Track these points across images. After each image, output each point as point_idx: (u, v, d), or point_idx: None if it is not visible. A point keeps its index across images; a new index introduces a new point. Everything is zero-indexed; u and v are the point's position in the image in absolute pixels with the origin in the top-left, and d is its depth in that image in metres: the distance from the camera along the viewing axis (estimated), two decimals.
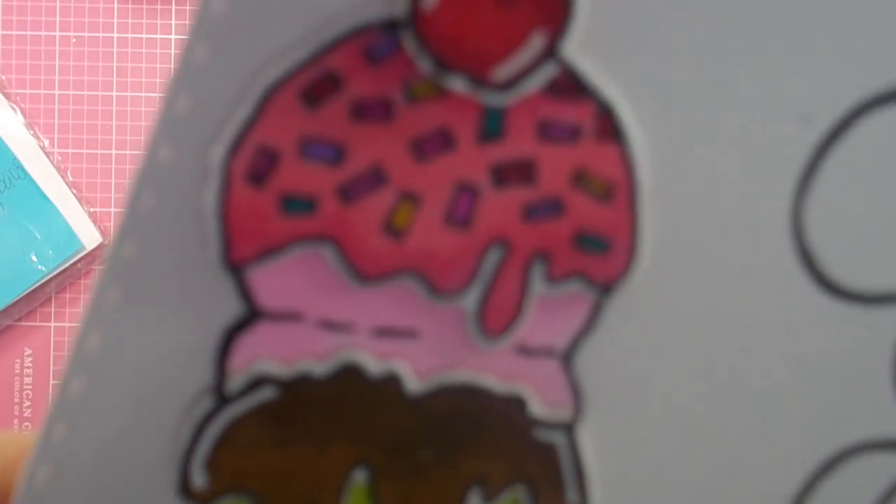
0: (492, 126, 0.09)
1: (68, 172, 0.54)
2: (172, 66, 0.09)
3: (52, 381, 0.52)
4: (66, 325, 0.54)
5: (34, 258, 0.52)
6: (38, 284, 0.51)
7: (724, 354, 0.10)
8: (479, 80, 0.09)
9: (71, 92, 0.55)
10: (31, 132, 0.53)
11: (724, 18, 0.10)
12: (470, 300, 0.10)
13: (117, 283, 0.10)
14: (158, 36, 0.55)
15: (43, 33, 0.54)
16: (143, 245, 0.10)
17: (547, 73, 0.09)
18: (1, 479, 0.11)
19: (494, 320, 0.10)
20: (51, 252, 0.51)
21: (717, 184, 0.10)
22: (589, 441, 0.10)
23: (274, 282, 0.10)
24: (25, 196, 0.52)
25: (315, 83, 0.09)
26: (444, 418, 0.10)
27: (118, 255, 0.10)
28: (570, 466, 0.10)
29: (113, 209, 0.56)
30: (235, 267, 0.10)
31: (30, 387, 0.54)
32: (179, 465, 0.10)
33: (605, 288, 0.10)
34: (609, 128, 0.09)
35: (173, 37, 0.55)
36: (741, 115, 0.10)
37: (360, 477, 0.10)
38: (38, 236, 0.52)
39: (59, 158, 0.54)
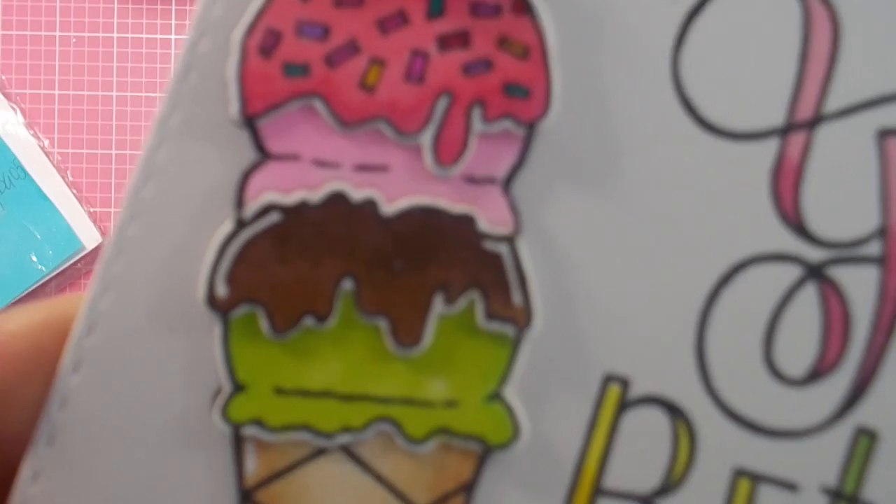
0: (436, 6, 0.14)
1: (68, 172, 0.59)
2: None
3: None
4: None
5: (34, 258, 0.56)
6: (38, 284, 0.56)
7: (627, 183, 0.15)
8: None
9: (71, 92, 0.60)
10: (31, 132, 0.59)
11: None
12: (427, 138, 0.14)
13: (166, 144, 0.15)
14: (158, 36, 0.60)
15: (43, 33, 0.60)
16: (186, 113, 0.15)
17: None
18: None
19: (446, 153, 0.15)
20: (51, 252, 0.56)
21: (610, 47, 0.15)
22: (527, 251, 0.15)
23: (278, 130, 0.15)
24: (25, 196, 0.57)
25: None
26: (412, 235, 0.15)
27: (165, 123, 0.15)
28: (514, 273, 0.15)
29: (113, 209, 0.61)
30: (250, 120, 0.15)
31: None
32: (207, 279, 0.15)
33: (530, 125, 0.14)
34: (523, 5, 0.14)
35: (173, 37, 0.60)
36: None
37: (347, 286, 0.15)
38: (38, 236, 0.56)
39: (59, 158, 0.59)
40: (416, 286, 0.15)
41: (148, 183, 0.15)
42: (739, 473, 0.15)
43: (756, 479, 0.15)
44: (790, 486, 0.15)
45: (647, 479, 0.15)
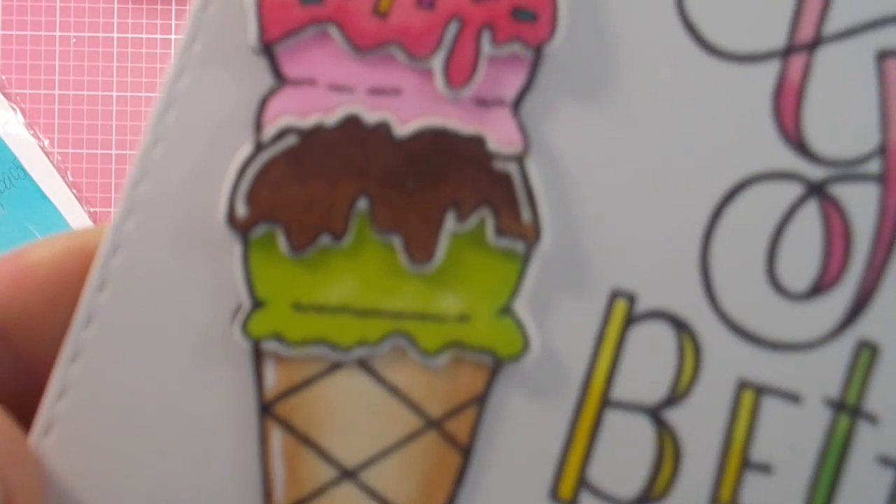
0: None
1: (68, 172, 0.60)
2: None
3: None
4: None
5: None
6: None
7: (632, 104, 0.16)
8: None
9: (71, 92, 0.61)
10: (31, 132, 0.60)
11: None
12: (438, 62, 0.16)
13: (188, 72, 0.16)
14: (158, 36, 0.61)
15: (43, 33, 0.61)
16: (206, 42, 0.16)
17: None
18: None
19: (456, 76, 0.16)
20: None
21: None
22: (536, 170, 0.16)
23: (295, 56, 0.16)
24: (25, 196, 0.58)
25: None
26: (424, 155, 0.16)
27: (186, 51, 0.16)
28: (523, 191, 0.16)
29: (113, 209, 0.63)
30: (267, 47, 0.16)
31: None
32: (228, 199, 0.16)
33: (537, 49, 0.16)
34: None
35: (173, 37, 0.61)
36: None
37: (361, 205, 0.16)
38: (38, 236, 0.58)
39: (59, 158, 0.61)
40: (429, 204, 0.16)
41: (170, 109, 0.16)
42: (744, 385, 0.16)
43: (760, 390, 0.16)
44: (793, 398, 0.16)
45: (653, 390, 0.16)
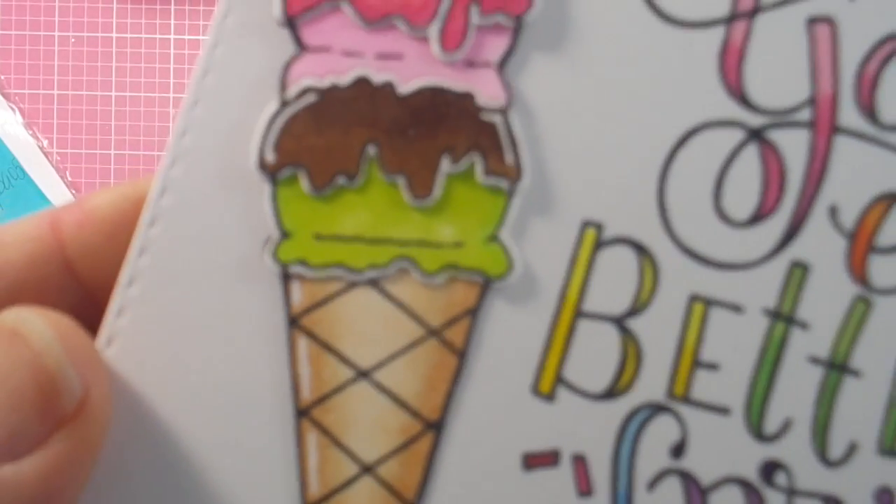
0: None
1: (68, 172, 0.65)
2: None
3: None
4: None
5: None
6: None
7: (600, 65, 0.21)
8: None
9: (71, 92, 0.67)
10: (31, 132, 0.65)
11: None
12: (434, 30, 0.21)
13: (222, 43, 0.21)
14: (158, 36, 0.66)
15: (43, 33, 0.66)
16: (237, 16, 0.21)
17: None
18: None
19: (450, 42, 0.21)
20: None
21: None
22: (517, 120, 0.21)
23: (313, 27, 0.21)
24: (25, 196, 0.63)
25: None
26: (424, 108, 0.21)
27: (220, 25, 0.21)
28: (507, 138, 0.21)
29: None
30: (291, 20, 0.21)
31: None
32: (258, 147, 0.21)
33: (518, 18, 0.21)
34: None
35: (173, 37, 0.66)
36: None
37: (371, 150, 0.21)
38: None
39: (59, 158, 0.66)
40: (428, 149, 0.21)
41: (208, 74, 0.21)
42: (694, 298, 0.21)
43: (708, 302, 0.21)
44: (736, 308, 0.21)
45: (618, 303, 0.21)
